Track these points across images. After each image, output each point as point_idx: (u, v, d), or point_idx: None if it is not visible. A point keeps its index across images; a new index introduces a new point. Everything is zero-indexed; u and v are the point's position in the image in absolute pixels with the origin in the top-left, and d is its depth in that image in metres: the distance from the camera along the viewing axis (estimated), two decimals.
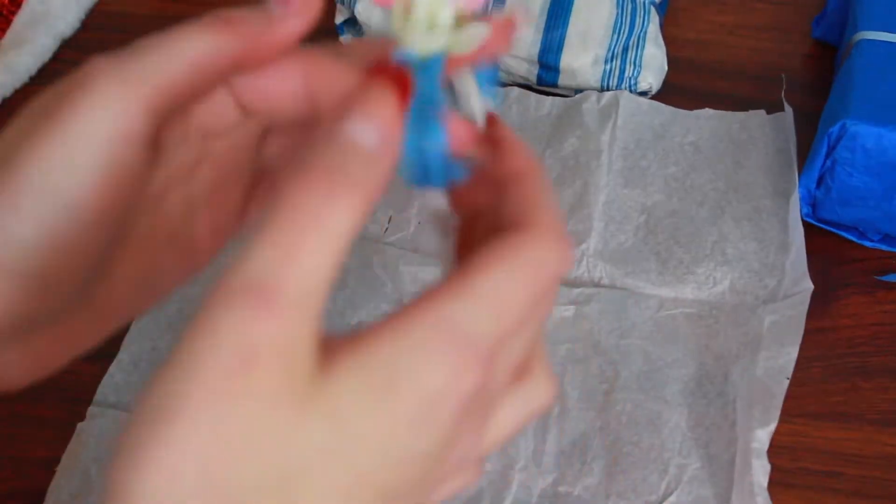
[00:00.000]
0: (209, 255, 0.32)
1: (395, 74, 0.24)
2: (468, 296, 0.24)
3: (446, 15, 0.26)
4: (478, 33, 0.26)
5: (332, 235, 0.22)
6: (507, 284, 0.24)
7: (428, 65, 0.26)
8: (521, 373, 0.27)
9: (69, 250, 0.26)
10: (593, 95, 0.70)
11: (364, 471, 0.22)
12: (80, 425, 0.55)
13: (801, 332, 0.56)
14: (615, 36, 0.70)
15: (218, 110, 0.29)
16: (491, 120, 0.28)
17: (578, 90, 0.72)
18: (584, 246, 0.62)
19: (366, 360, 0.22)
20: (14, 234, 0.25)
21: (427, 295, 0.24)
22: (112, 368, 0.57)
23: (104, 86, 0.26)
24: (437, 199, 0.29)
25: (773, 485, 0.51)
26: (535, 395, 0.28)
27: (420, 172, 0.27)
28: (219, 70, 0.27)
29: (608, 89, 0.71)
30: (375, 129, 0.23)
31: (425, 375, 0.23)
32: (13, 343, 0.27)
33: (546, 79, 0.72)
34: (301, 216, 0.21)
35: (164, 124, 0.28)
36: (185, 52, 0.27)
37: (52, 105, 0.26)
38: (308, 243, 0.21)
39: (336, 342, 0.23)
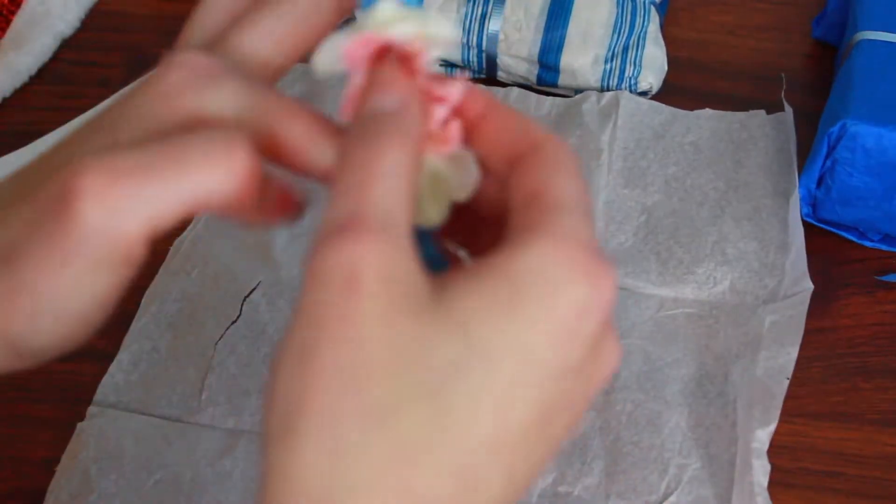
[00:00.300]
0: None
1: (399, 53, 0.26)
2: (564, 207, 0.25)
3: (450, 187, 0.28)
4: (470, 174, 0.28)
5: (391, 166, 0.24)
6: (572, 188, 0.25)
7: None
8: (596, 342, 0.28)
9: (66, 342, 0.30)
10: (593, 95, 0.70)
11: (513, 381, 0.23)
12: (79, 425, 0.55)
13: (801, 332, 0.56)
14: (615, 36, 0.70)
15: None
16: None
17: (578, 90, 0.72)
18: None
19: (486, 278, 0.23)
20: (22, 338, 0.29)
21: (526, 214, 0.25)
22: (112, 368, 0.57)
23: (99, 221, 0.25)
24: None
25: (773, 485, 0.51)
26: (608, 355, 0.27)
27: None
28: (223, 202, 0.26)
29: (608, 89, 0.71)
30: (392, 94, 0.26)
31: (564, 287, 0.23)
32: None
33: (546, 79, 0.72)
34: (359, 164, 0.24)
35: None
36: (189, 189, 0.26)
37: (47, 221, 0.26)
38: (373, 177, 0.24)
39: (445, 275, 0.24)
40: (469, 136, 0.28)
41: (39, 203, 0.26)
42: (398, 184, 0.24)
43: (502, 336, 0.23)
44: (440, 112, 0.27)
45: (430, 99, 0.27)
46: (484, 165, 0.28)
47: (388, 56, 0.27)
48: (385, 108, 0.25)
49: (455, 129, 0.27)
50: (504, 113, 0.28)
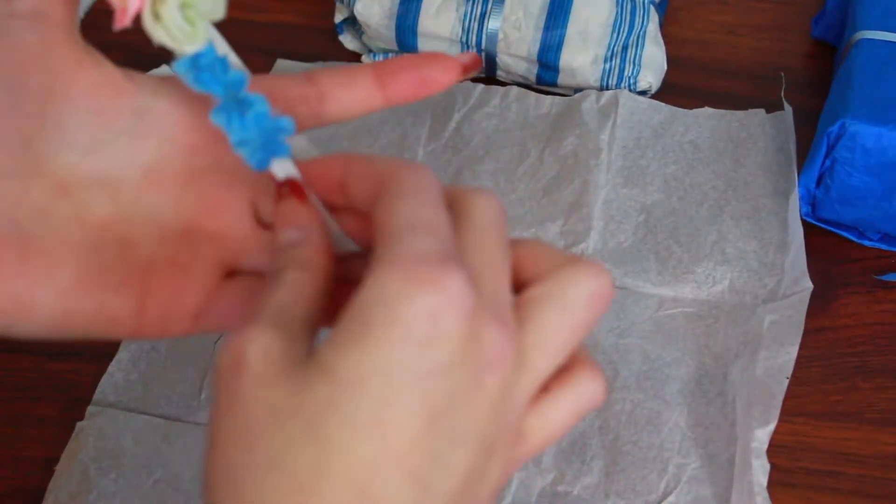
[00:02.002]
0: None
1: (291, 186, 0.31)
2: (400, 229, 0.27)
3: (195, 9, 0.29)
4: None
5: (287, 281, 0.29)
6: (412, 207, 0.28)
7: (203, 60, 0.29)
8: (565, 370, 0.30)
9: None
10: (593, 94, 0.70)
11: (383, 396, 0.25)
12: (79, 424, 0.55)
13: (801, 331, 0.56)
14: (615, 35, 0.70)
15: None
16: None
17: (578, 89, 0.72)
18: (583, 245, 0.62)
19: (342, 320, 0.26)
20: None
21: (374, 248, 0.27)
22: (111, 368, 0.57)
23: None
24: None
25: (772, 484, 0.51)
26: (583, 388, 0.30)
27: (261, 151, 0.31)
28: None
29: (608, 88, 0.71)
30: (294, 227, 0.30)
31: (405, 300, 0.25)
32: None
33: (545, 78, 0.72)
34: (267, 285, 0.29)
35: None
36: None
37: None
38: (270, 290, 0.28)
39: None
40: (338, 203, 0.31)
41: None
42: (291, 290, 0.28)
43: (361, 362, 0.25)
44: None
45: None
46: (363, 221, 0.31)
47: (282, 189, 0.31)
48: (289, 240, 0.30)
49: None
50: (358, 163, 0.30)
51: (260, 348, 0.26)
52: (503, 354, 0.27)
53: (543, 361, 0.28)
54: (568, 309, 0.28)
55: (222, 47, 0.30)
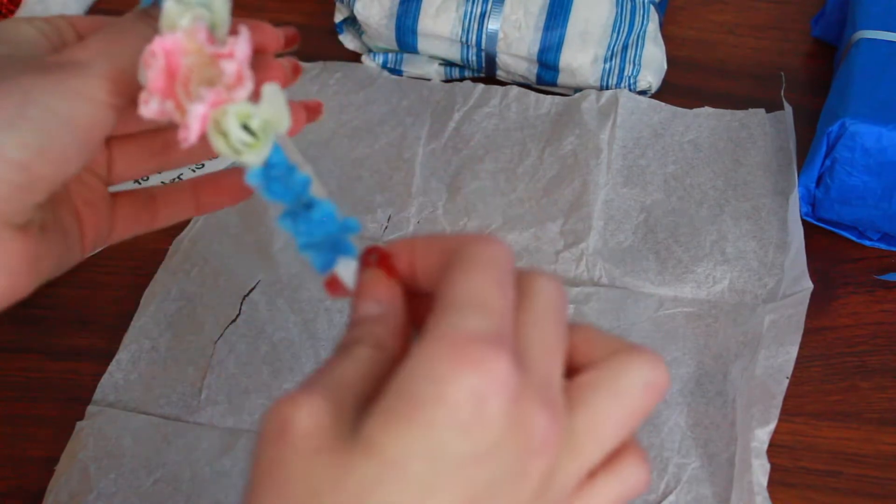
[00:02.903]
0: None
1: (380, 257, 0.31)
2: (454, 304, 0.27)
3: (258, 121, 0.30)
4: (277, 100, 0.30)
5: (352, 357, 0.28)
6: (471, 283, 0.27)
7: (272, 163, 0.30)
8: (612, 455, 0.29)
9: (54, 155, 0.31)
10: (593, 94, 0.70)
11: (426, 479, 0.25)
12: (79, 424, 0.55)
13: (801, 331, 0.56)
14: (615, 35, 0.70)
15: None
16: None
17: (578, 89, 0.72)
18: (583, 245, 0.62)
19: (387, 394, 0.26)
20: (16, 128, 0.30)
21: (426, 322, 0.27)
22: (111, 367, 0.57)
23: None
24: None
25: (772, 484, 0.51)
26: (628, 474, 0.29)
27: (327, 252, 0.31)
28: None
29: (607, 88, 0.71)
30: (375, 301, 0.30)
31: (450, 380, 0.25)
32: (15, 233, 0.32)
33: (545, 78, 0.72)
34: (332, 357, 0.29)
35: None
36: None
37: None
38: (333, 362, 0.28)
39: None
40: (414, 283, 0.31)
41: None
42: (358, 367, 0.28)
43: (406, 443, 0.25)
44: (230, 67, 0.29)
45: (216, 59, 0.29)
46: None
47: (369, 258, 0.31)
48: (368, 314, 0.30)
49: (246, 72, 0.29)
50: (424, 243, 0.30)
51: (310, 420, 0.26)
52: (549, 440, 0.26)
53: (593, 448, 0.28)
54: (621, 396, 0.28)
55: (293, 154, 0.30)
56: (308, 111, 0.39)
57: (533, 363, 0.27)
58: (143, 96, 0.30)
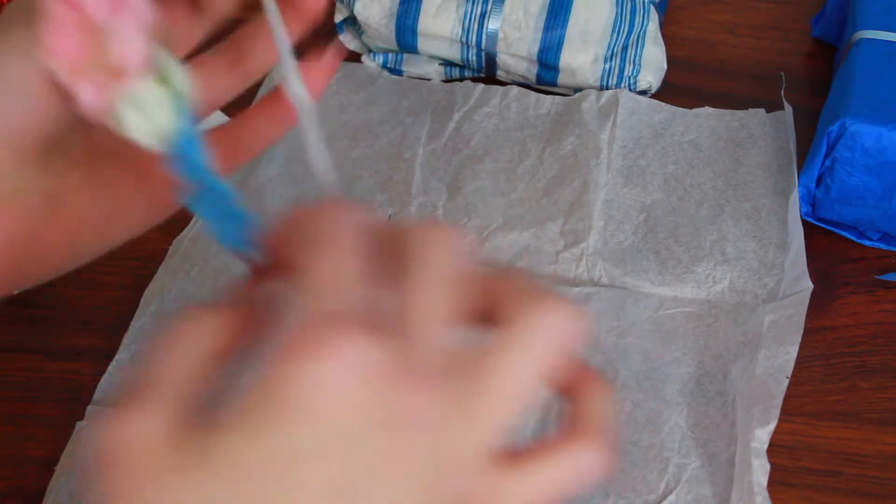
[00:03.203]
0: None
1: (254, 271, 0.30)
2: (299, 286, 0.25)
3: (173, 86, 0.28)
4: (178, 73, 0.29)
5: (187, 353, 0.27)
6: (316, 258, 0.25)
7: (182, 149, 0.29)
8: (565, 434, 0.27)
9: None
10: (593, 94, 0.70)
11: (281, 485, 0.23)
12: (79, 424, 0.55)
13: (801, 331, 0.56)
14: (615, 35, 0.70)
15: None
16: None
17: (578, 89, 0.72)
18: (583, 245, 0.62)
19: (230, 407, 0.24)
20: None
21: None
22: (111, 368, 0.57)
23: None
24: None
25: (772, 484, 0.51)
26: (575, 456, 0.27)
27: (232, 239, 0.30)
28: None
29: (608, 88, 0.71)
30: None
31: (287, 375, 0.23)
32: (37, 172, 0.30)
33: (545, 78, 0.72)
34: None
35: None
36: None
37: None
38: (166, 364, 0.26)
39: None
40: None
41: None
42: (190, 361, 0.26)
43: (254, 450, 0.23)
44: (118, 43, 0.27)
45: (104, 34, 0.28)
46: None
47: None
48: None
49: (135, 49, 0.28)
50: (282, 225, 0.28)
51: (140, 437, 0.24)
52: (428, 413, 0.24)
53: (497, 412, 0.25)
54: (524, 353, 0.26)
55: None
56: (319, 72, 0.34)
57: (403, 333, 0.24)
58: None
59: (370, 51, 0.75)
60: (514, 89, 0.72)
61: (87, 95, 0.28)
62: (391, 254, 0.26)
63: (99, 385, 0.56)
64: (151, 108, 0.28)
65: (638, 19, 0.71)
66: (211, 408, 0.25)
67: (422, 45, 0.72)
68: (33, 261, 0.32)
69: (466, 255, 0.27)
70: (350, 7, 0.73)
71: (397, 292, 0.25)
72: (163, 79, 0.28)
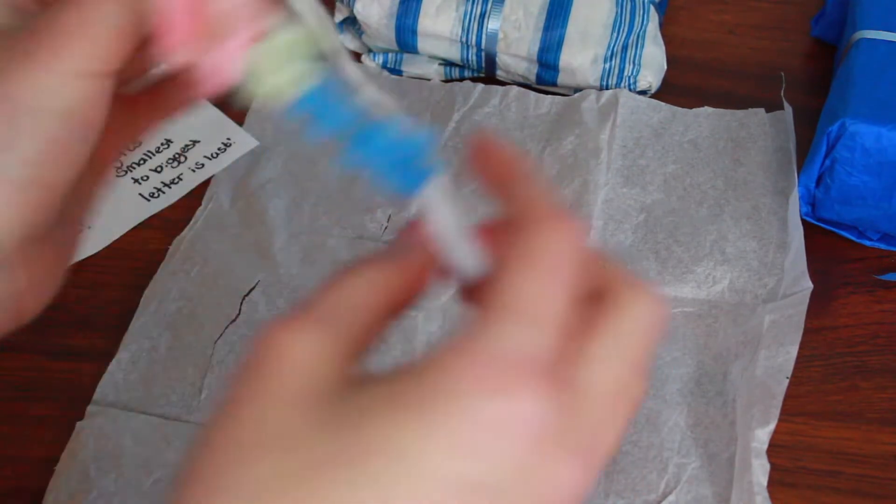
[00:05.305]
0: None
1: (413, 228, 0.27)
2: (497, 308, 0.23)
3: (292, 41, 0.26)
4: (310, 14, 0.26)
5: (352, 284, 0.25)
6: (532, 287, 0.23)
7: (319, 96, 0.26)
8: (594, 301, 0.25)
9: (60, 159, 0.28)
10: (592, 94, 0.70)
11: (388, 482, 0.22)
12: (79, 424, 0.55)
13: (801, 331, 0.56)
14: (615, 34, 0.70)
15: None
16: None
17: (578, 89, 0.72)
18: None
19: (395, 381, 0.23)
20: (15, 147, 0.27)
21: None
22: (111, 367, 0.57)
23: None
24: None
25: (772, 484, 0.51)
26: (633, 318, 0.25)
27: (397, 174, 0.27)
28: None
29: (607, 88, 0.71)
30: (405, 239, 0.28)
31: (459, 396, 0.22)
32: (19, 265, 0.29)
33: (545, 78, 0.72)
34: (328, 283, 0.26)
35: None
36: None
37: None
38: (335, 284, 0.25)
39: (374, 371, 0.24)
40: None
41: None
42: (363, 292, 0.25)
43: (402, 444, 0.22)
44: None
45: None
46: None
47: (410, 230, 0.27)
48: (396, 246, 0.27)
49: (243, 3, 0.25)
50: (497, 160, 0.28)
51: (297, 355, 0.23)
52: (568, 494, 0.23)
53: (596, 416, 0.24)
54: (623, 349, 0.25)
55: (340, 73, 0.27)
56: None
57: (580, 403, 0.23)
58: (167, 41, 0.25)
59: (370, 51, 0.75)
60: (514, 89, 0.72)
61: (214, 67, 0.26)
62: (587, 291, 0.25)
63: (99, 385, 0.56)
64: (282, 61, 0.26)
65: (638, 19, 0.71)
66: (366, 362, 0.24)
67: (421, 44, 0.72)
68: None
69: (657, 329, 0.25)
70: (350, 7, 0.73)
71: (584, 346, 0.24)
72: (289, 28, 0.26)
